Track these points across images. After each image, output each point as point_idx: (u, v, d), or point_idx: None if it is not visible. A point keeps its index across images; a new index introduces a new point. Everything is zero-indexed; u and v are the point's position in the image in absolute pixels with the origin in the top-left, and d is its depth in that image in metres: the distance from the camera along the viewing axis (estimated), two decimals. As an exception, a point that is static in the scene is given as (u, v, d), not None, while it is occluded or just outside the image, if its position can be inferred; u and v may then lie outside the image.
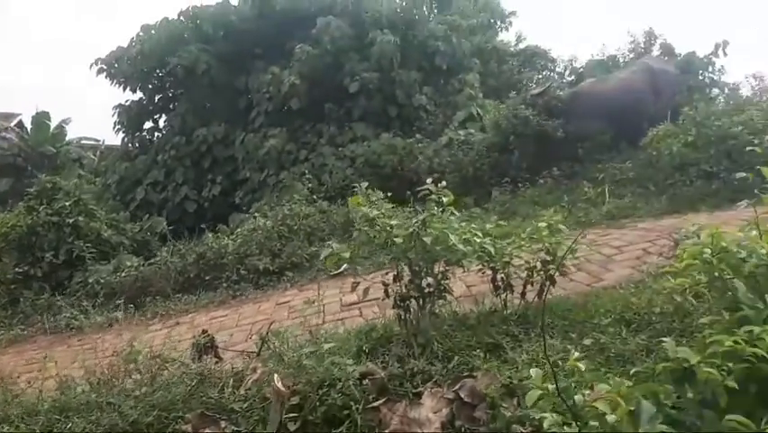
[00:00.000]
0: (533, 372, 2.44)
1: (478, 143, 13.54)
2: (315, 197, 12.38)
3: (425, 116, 17.81)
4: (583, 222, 8.52)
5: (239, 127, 18.89)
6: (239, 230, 10.78)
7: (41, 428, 3.82)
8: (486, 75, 22.65)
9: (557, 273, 4.24)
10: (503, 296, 4.44)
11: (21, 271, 9.82)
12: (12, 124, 48.93)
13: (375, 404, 3.33)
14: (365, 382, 3.48)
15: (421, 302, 4.22)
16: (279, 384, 3.18)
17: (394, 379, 3.69)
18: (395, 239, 3.87)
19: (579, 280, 5.59)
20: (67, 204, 10.81)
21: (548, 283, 4.30)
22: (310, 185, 13.35)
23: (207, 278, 9.09)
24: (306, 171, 14.61)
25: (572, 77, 19.85)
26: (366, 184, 4.34)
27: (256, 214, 11.14)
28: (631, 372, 3.12)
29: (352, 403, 3.32)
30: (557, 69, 23.40)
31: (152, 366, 3.90)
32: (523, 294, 4.42)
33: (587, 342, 3.72)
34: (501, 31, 25.69)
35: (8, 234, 10.37)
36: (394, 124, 17.02)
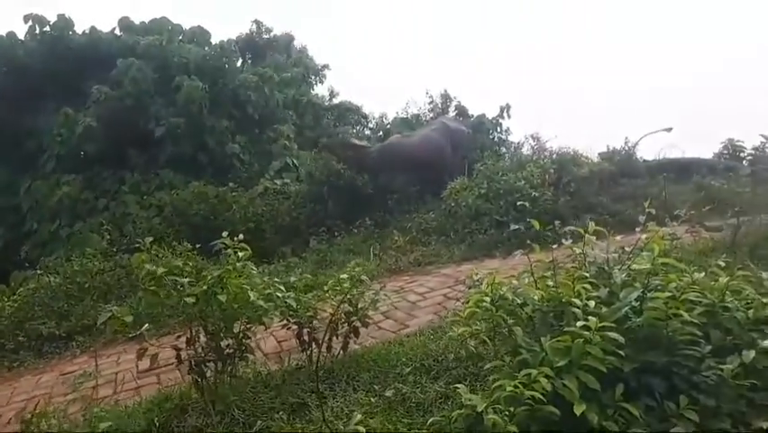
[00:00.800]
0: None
1: (294, 193, 13.57)
2: (115, 249, 11.28)
3: (239, 165, 17.50)
4: (393, 269, 8.85)
5: (26, 173, 16.79)
6: (21, 290, 9.37)
7: None
8: (302, 127, 23.10)
9: (360, 324, 4.26)
10: (308, 351, 4.34)
11: None
12: None
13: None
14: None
15: (220, 365, 3.94)
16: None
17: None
18: (186, 299, 3.58)
19: (386, 327, 5.71)
20: None
21: (351, 335, 4.30)
22: (110, 237, 12.16)
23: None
24: (105, 222, 13.33)
25: (380, 132, 21.07)
26: (150, 239, 3.98)
27: (40, 271, 9.79)
28: (428, 421, 3.19)
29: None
30: (369, 125, 24.67)
31: None
32: (328, 348, 4.36)
33: (389, 393, 3.75)
34: (315, 84, 26.56)
35: None
36: (206, 172, 16.42)
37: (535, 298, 3.43)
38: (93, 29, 18.30)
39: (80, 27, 18.30)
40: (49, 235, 15.21)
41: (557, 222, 4.75)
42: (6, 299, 8.88)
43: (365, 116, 25.07)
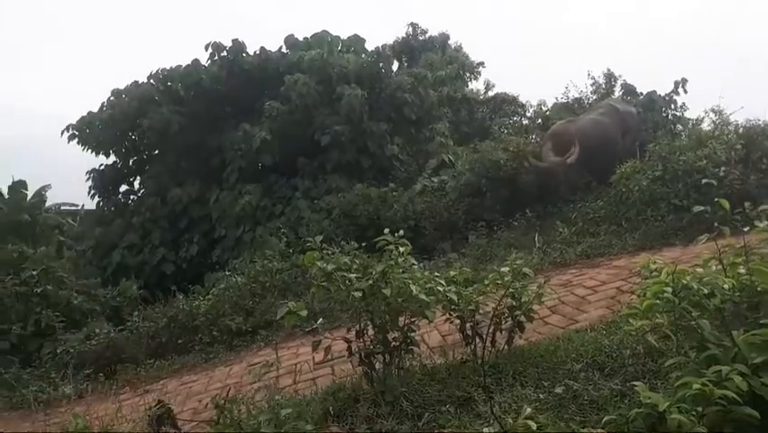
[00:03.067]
0: (485, 431, 2.30)
1: (451, 189, 13.60)
2: (291, 250, 12.23)
3: (398, 165, 17.98)
4: (558, 262, 8.46)
5: (213, 185, 18.86)
6: (213, 290, 10.55)
7: None
8: (458, 123, 23.09)
9: (524, 319, 4.12)
10: (472, 345, 4.30)
11: (-16, 344, 9.46)
12: (-14, 194, 48.02)
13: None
14: (328, 447, 3.29)
15: (387, 358, 4.06)
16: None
17: (361, 442, 3.50)
18: (354, 293, 3.74)
19: (553, 323, 5.47)
20: (34, 273, 10.52)
21: (516, 330, 4.18)
22: (287, 239, 13.21)
23: (180, 341, 8.79)
24: (282, 226, 14.50)
25: (539, 120, 20.25)
26: (320, 237, 4.22)
27: (227, 272, 10.93)
28: (603, 420, 2.99)
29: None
30: (527, 114, 23.88)
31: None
32: (492, 342, 4.28)
33: (559, 390, 3.58)
34: (471, 81, 26.38)
35: (-28, 308, 10.03)
36: (368, 175, 17.11)
37: (725, 287, 3.05)
38: (262, 49, 19.98)
39: (252, 48, 20.11)
40: (235, 240, 16.92)
41: (747, 203, 4.19)
42: (202, 299, 10.03)
43: (522, 105, 24.33)
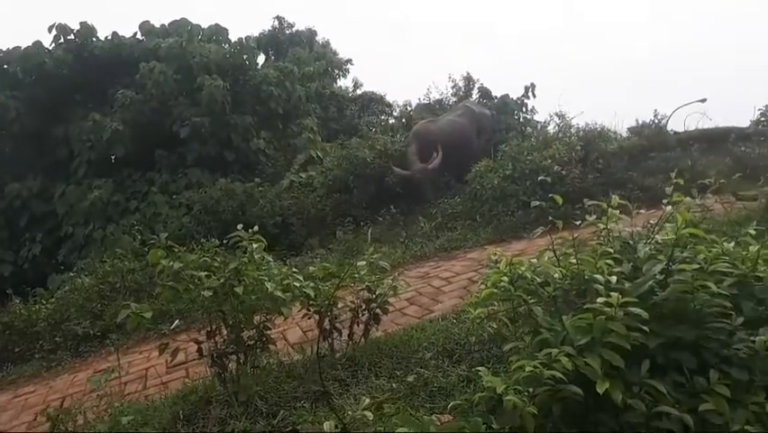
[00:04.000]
0: (325, 425, 2.31)
1: (319, 185, 13.58)
2: (146, 249, 11.47)
3: (265, 160, 17.62)
4: (419, 255, 8.78)
5: (59, 179, 17.22)
6: (57, 292, 9.64)
7: None
8: (326, 119, 23.12)
9: (380, 311, 4.21)
10: (330, 340, 4.31)
11: None
12: None
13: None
14: (174, 454, 3.12)
15: (242, 357, 3.95)
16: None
17: (211, 445, 3.37)
18: (204, 292, 3.59)
19: (410, 314, 5.65)
20: None
21: (372, 322, 4.26)
22: (141, 237, 12.38)
23: (17, 350, 7.93)
24: (136, 223, 13.58)
25: (404, 120, 20.91)
26: (165, 235, 4.00)
27: (73, 273, 10.03)
28: (450, 405, 3.13)
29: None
30: (393, 113, 24.53)
31: None
32: (350, 335, 4.33)
33: (410, 378, 3.70)
34: (339, 77, 26.55)
35: None
36: (232, 169, 16.58)
37: (556, 276, 3.32)
38: (114, 34, 18.56)
39: (103, 33, 18.61)
40: (84, 239, 15.57)
41: (585, 199, 4.61)
42: (44, 303, 9.12)
43: (389, 105, 24.95)
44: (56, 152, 17.97)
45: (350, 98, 25.67)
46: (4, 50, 18.20)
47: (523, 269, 3.24)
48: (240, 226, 4.15)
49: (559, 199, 3.73)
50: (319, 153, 17.16)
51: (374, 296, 4.26)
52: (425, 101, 21.18)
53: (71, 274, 10.11)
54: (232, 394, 3.77)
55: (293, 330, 5.82)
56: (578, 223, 3.91)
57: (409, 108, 23.13)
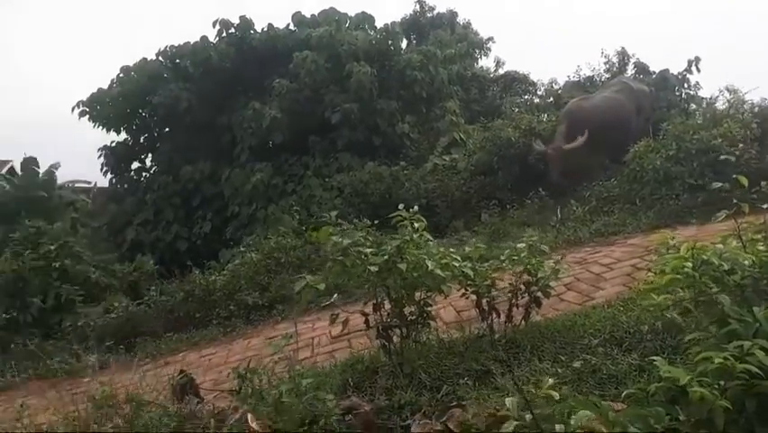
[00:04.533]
0: (507, 401, 2.35)
1: (463, 168, 13.58)
2: (304, 228, 12.32)
3: (409, 144, 17.93)
4: (572, 240, 8.48)
5: (224, 163, 18.90)
6: (228, 265, 10.67)
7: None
8: (468, 101, 22.89)
9: (541, 295, 4.16)
10: (488, 320, 4.35)
11: (9, 317, 9.63)
12: (3, 171, 48.72)
13: (360, 440, 3.21)
14: (349, 417, 3.36)
15: (404, 331, 4.13)
16: (254, 424, 3.07)
17: (381, 412, 3.57)
18: (370, 267, 3.79)
19: (569, 300, 5.51)
20: (52, 248, 10.68)
21: (533, 305, 4.22)
22: (299, 217, 13.28)
23: (197, 315, 8.95)
24: (294, 203, 14.56)
25: (551, 99, 20.07)
26: (335, 213, 4.27)
27: (242, 249, 11.04)
28: (623, 393, 3.03)
29: (336, 440, 3.19)
30: (538, 93, 23.64)
31: (131, 409, 3.76)
32: (509, 317, 4.33)
33: (577, 364, 3.63)
34: (480, 58, 26.10)
35: (-6, 281, 10.23)
36: (379, 153, 17.09)
37: (746, 263, 3.07)
38: (270, 26, 19.85)
39: (260, 25, 19.98)
40: (248, 217, 17.03)
41: (764, 182, 4.18)
42: (218, 274, 10.16)
43: (533, 84, 24.05)
44: (221, 138, 19.74)
45: (491, 79, 25.13)
46: (176, 45, 20.31)
47: (708, 254, 3.03)
48: (401, 206, 4.30)
49: (744, 181, 3.44)
50: (462, 136, 17.10)
51: (535, 279, 4.21)
52: (575, 78, 20.14)
53: (241, 250, 11.10)
54: (397, 366, 3.97)
55: (447, 310, 5.94)
56: (764, 206, 3.57)
57: (555, 86, 22.17)
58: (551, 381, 2.40)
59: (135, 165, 21.77)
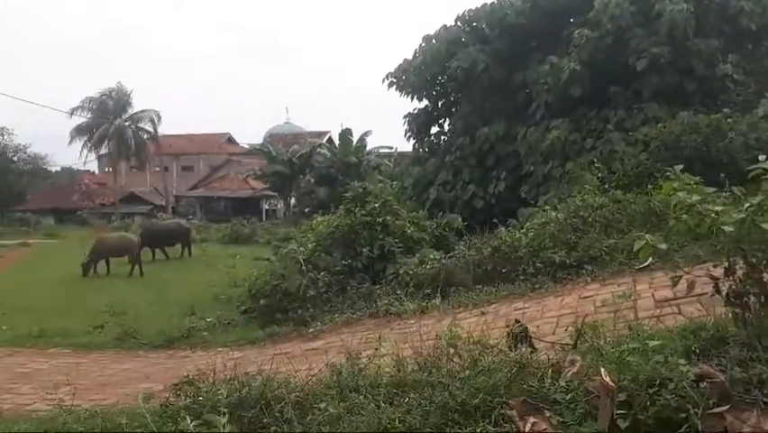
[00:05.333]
0: None
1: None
2: (606, 186, 11.79)
3: (732, 87, 15.54)
4: None
5: (519, 122, 19.05)
6: (528, 224, 10.85)
7: (382, 398, 4.39)
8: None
9: None
10: None
11: (346, 263, 11.44)
12: (324, 141, 57.66)
13: (718, 410, 3.02)
14: (702, 385, 3.18)
15: (763, 299, 3.68)
16: (608, 379, 3.11)
17: (736, 385, 3.30)
18: (723, 227, 3.45)
19: None
20: (376, 205, 12.25)
21: None
22: (600, 174, 12.73)
23: (504, 270, 9.33)
24: (594, 160, 13.98)
25: None
26: (680, 167, 3.96)
27: (546, 207, 11.07)
28: None
29: (689, 406, 3.06)
30: None
31: (473, 351, 4.16)
32: None
33: None
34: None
35: (333, 233, 12.22)
36: (692, 100, 15.25)
37: None
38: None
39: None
40: (543, 176, 16.97)
41: None
42: (519, 232, 10.42)
43: None
44: (516, 97, 19.90)
45: None
46: (473, 9, 20.92)
47: None
48: (762, 157, 3.78)
49: None
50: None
51: None
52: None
53: (545, 208, 11.16)
54: (753, 337, 3.59)
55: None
56: None
57: None
58: None
59: (434, 130, 23.48)
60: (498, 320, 6.79)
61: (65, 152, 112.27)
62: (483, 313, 7.48)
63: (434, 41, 21.61)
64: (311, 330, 9.22)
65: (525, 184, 17.83)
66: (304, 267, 11.13)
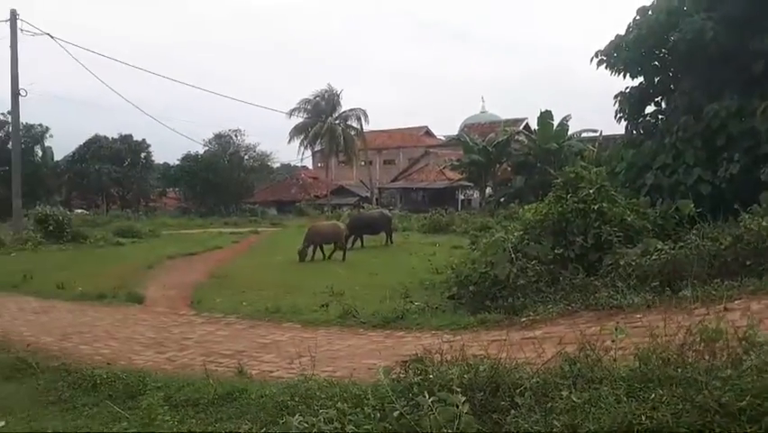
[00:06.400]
0: None
1: None
2: None
3: None
4: None
5: (756, 96, 16.49)
6: (774, 210, 9.40)
7: (622, 392, 4.11)
8: None
9: None
10: None
11: (557, 253, 10.96)
12: (520, 128, 56.55)
13: None
14: None
15: None
16: None
17: None
18: None
19: None
20: (590, 192, 11.55)
21: None
22: None
23: (748, 263, 8.23)
24: None
25: None
26: None
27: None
28: None
29: None
30: None
31: (735, 349, 3.71)
32: None
33: None
34: None
35: (543, 221, 11.80)
36: None
37: None
38: None
39: None
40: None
41: None
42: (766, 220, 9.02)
43: None
44: (752, 67, 17.25)
45: None
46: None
47: None
48: None
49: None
50: None
51: None
52: None
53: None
54: None
55: None
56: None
57: None
58: None
59: (650, 109, 21.40)
60: (746, 318, 5.98)
61: (285, 150, 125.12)
62: (726, 309, 6.66)
63: (650, 12, 19.67)
64: (523, 319, 9.03)
65: (766, 166, 15.41)
66: (512, 255, 10.94)
